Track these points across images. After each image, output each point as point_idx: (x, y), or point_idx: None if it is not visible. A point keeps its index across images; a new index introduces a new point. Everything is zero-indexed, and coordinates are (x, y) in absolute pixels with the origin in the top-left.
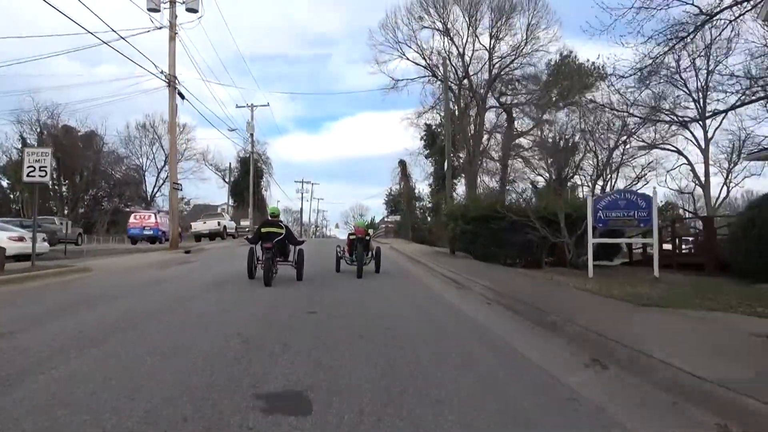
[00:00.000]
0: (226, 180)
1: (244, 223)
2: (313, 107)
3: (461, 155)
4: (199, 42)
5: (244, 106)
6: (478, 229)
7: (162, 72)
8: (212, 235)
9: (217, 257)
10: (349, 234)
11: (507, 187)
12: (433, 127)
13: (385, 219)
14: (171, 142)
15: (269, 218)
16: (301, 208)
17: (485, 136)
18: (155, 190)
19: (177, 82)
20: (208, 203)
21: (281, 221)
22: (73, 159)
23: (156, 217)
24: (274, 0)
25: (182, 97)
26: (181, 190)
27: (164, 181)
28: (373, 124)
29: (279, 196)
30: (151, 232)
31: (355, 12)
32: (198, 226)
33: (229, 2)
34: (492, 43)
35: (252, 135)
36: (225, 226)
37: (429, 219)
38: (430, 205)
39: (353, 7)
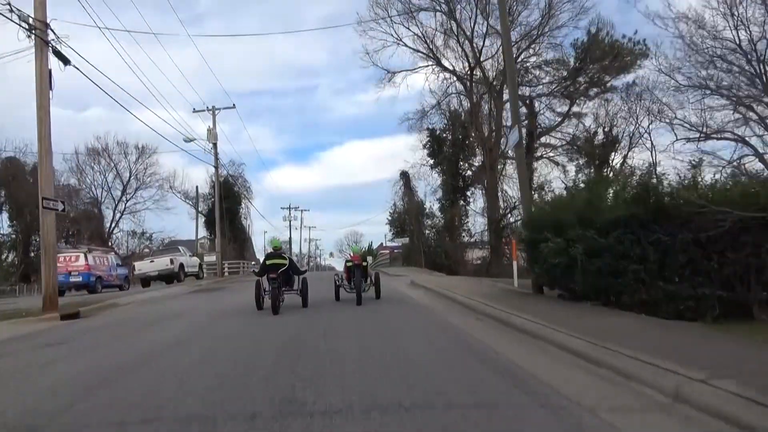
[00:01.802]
0: (199, 209)
1: (210, 258)
2: (301, 138)
3: (474, 162)
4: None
5: (203, 110)
6: (626, 246)
7: (9, 6)
8: (164, 278)
9: (104, 337)
10: (346, 261)
11: (534, 196)
12: (438, 131)
13: (384, 244)
14: (39, 128)
15: (272, 251)
16: (290, 238)
17: (504, 136)
18: (112, 225)
19: (52, 34)
20: (173, 237)
21: (284, 253)
22: (21, 195)
23: (87, 258)
24: (257, 37)
25: (64, 61)
26: (62, 211)
27: (122, 215)
28: (362, 151)
29: (264, 226)
30: (80, 279)
31: (340, 43)
32: (143, 266)
33: (212, 41)
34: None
35: (215, 145)
36: (182, 265)
37: (437, 239)
38: (442, 222)
39: (337, 39)
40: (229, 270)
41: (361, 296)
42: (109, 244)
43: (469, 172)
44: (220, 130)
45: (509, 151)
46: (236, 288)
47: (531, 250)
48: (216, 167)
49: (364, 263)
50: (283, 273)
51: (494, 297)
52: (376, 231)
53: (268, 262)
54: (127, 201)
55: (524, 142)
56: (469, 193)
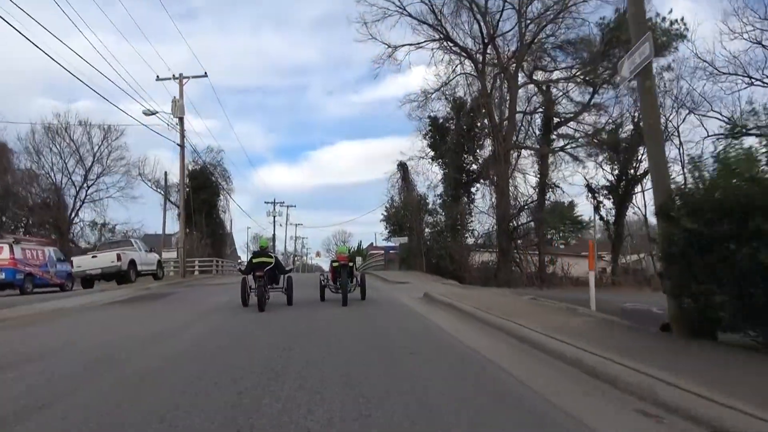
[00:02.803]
0: (173, 200)
1: (169, 255)
2: (292, 137)
3: (481, 155)
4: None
5: (168, 78)
6: None
7: None
8: (109, 277)
9: None
10: (332, 261)
11: (547, 194)
12: (440, 120)
13: (375, 244)
14: None
15: (260, 249)
16: (274, 234)
17: (519, 122)
18: (72, 215)
19: None
20: (139, 229)
21: (271, 252)
22: None
23: (13, 251)
24: (249, 35)
25: None
26: None
27: (83, 203)
28: (353, 152)
29: (248, 223)
30: (2, 276)
31: (331, 43)
32: (83, 263)
33: (205, 39)
34: None
35: (181, 120)
36: (133, 261)
37: (441, 240)
38: (443, 221)
39: (328, 39)
40: (199, 269)
41: (347, 296)
42: (69, 236)
43: (474, 166)
44: (192, 109)
45: (629, 78)
46: (190, 295)
47: (689, 255)
48: (182, 146)
49: (350, 263)
50: (269, 271)
51: (618, 343)
52: (365, 231)
53: (254, 260)
54: (88, 188)
55: (540, 130)
56: (474, 190)
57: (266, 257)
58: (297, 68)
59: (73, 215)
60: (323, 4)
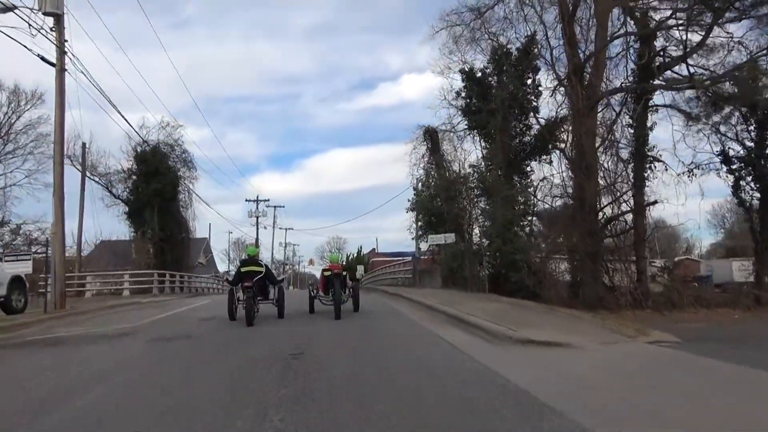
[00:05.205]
0: (117, 194)
1: (18, 266)
2: (284, 145)
3: (535, 119)
4: None
5: None
6: None
7: None
8: None
9: None
10: (323, 270)
11: (645, 171)
12: (478, 73)
13: (377, 250)
14: None
15: (248, 257)
16: (257, 238)
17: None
18: None
19: None
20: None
21: (260, 260)
22: None
23: None
24: (242, 44)
25: None
26: None
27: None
28: (346, 159)
29: (227, 227)
30: None
31: (323, 53)
32: None
33: (197, 47)
34: None
35: (58, 18)
36: None
37: (502, 239)
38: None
39: (321, 48)
40: (132, 287)
41: (340, 309)
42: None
43: (526, 138)
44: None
45: None
46: None
47: None
48: (60, 66)
49: (344, 273)
50: (258, 281)
51: None
52: (364, 237)
53: (243, 269)
54: None
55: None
56: (528, 170)
57: (256, 266)
58: (290, 77)
59: None
60: (315, 13)
